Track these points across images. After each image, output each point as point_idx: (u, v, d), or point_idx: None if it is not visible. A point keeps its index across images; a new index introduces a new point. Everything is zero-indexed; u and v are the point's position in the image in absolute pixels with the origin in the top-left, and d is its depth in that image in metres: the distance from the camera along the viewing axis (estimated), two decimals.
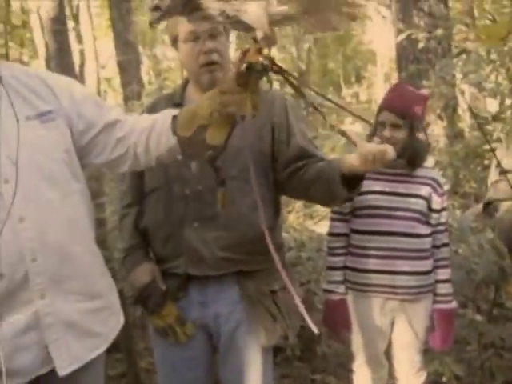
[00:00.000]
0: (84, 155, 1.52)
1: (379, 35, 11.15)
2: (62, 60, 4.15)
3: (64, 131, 1.45)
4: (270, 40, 1.26)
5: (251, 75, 1.28)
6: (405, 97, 2.21)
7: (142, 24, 10.06)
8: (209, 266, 1.75)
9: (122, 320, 1.60)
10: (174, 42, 1.80)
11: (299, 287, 3.37)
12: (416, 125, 2.20)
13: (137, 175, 1.87)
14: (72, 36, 8.28)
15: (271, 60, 1.28)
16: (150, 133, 1.47)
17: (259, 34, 1.25)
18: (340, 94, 10.25)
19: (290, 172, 1.77)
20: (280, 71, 1.30)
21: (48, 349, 1.38)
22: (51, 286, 1.37)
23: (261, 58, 1.27)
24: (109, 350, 1.55)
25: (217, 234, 1.73)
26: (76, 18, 10.65)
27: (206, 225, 1.73)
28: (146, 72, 11.88)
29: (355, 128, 5.91)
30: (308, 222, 5.16)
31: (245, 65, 1.27)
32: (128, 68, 7.09)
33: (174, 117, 1.43)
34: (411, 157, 2.20)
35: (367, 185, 2.22)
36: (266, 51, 1.27)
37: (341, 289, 2.28)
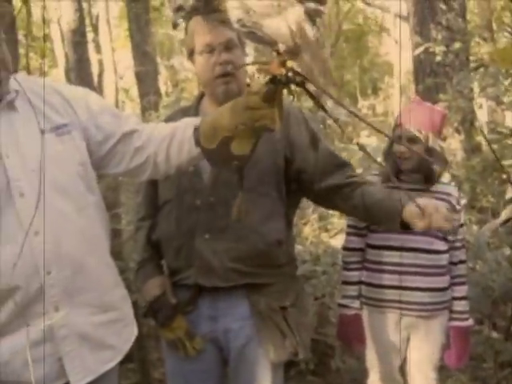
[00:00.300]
0: (103, 166, 1.54)
1: (396, 47, 11.14)
2: (81, 71, 4.20)
3: (79, 144, 1.46)
4: (293, 52, 1.25)
5: (277, 89, 1.28)
6: (422, 112, 2.21)
7: (160, 35, 10.16)
8: (219, 277, 1.75)
9: (135, 332, 1.60)
10: (191, 54, 1.82)
11: (314, 301, 3.37)
12: (433, 140, 2.18)
13: (151, 188, 1.89)
14: (91, 46, 8.39)
15: (295, 72, 1.27)
16: (170, 141, 1.47)
17: (282, 47, 1.25)
18: (356, 106, 10.23)
19: (330, 188, 1.79)
20: (302, 84, 1.29)
21: (62, 361, 1.39)
22: (65, 298, 1.38)
23: (284, 71, 1.26)
24: (122, 360, 1.55)
25: (228, 245, 1.73)
26: (95, 28, 10.79)
27: (217, 236, 1.74)
28: (163, 82, 11.97)
29: (371, 141, 5.91)
30: (323, 234, 5.14)
31: (268, 78, 1.28)
32: (145, 79, 7.16)
33: (196, 128, 1.44)
34: (427, 172, 2.19)
35: None
36: (289, 63, 1.27)
37: (356, 304, 2.27)
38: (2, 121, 1.36)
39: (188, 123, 1.47)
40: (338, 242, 4.32)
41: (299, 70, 1.27)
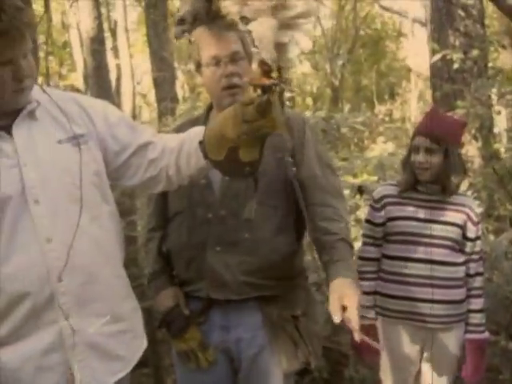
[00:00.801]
0: (118, 177, 1.56)
1: (414, 52, 11.08)
2: (99, 78, 4.24)
3: (95, 154, 1.48)
4: (276, 61, 1.26)
5: (268, 98, 1.26)
6: (440, 122, 2.20)
7: (178, 41, 10.22)
8: (231, 291, 1.75)
9: (144, 344, 1.61)
10: (198, 67, 1.83)
11: (326, 309, 3.35)
12: (451, 151, 2.17)
13: (161, 199, 1.90)
14: (109, 50, 8.46)
15: (281, 80, 1.27)
16: (178, 154, 1.49)
17: (266, 55, 1.25)
18: (373, 111, 10.19)
19: (309, 214, 1.72)
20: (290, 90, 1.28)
21: (72, 370, 1.39)
22: (76, 307, 1.39)
23: (270, 80, 1.26)
24: (136, 365, 1.56)
25: (239, 258, 1.73)
26: (113, 33, 10.89)
27: (228, 249, 1.74)
28: (180, 87, 12.04)
29: (388, 147, 5.87)
30: None
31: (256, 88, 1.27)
32: (163, 84, 7.20)
33: (201, 141, 1.44)
34: (445, 183, 2.18)
35: (400, 210, 2.22)
36: (274, 73, 1.26)
37: (371, 314, 2.26)
38: (22, 129, 1.39)
39: (193, 135, 1.48)
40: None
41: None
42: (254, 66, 1.28)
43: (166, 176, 1.53)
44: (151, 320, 2.46)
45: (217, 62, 1.75)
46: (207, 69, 1.77)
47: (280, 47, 1.27)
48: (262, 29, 1.23)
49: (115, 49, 9.94)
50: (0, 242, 1.32)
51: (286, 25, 1.25)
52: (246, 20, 1.25)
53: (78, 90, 10.31)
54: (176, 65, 9.98)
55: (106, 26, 9.36)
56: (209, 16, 1.29)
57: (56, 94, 1.50)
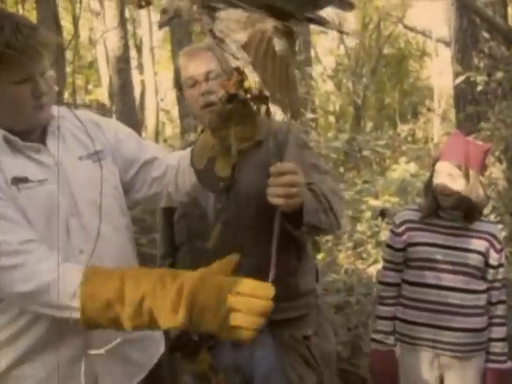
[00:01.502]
0: (126, 191, 1.60)
1: (438, 71, 11.04)
2: (124, 96, 4.31)
3: (113, 168, 1.55)
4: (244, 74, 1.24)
5: (232, 108, 1.25)
6: (463, 148, 2.17)
7: None
8: None
9: (161, 349, 1.65)
10: (180, 90, 1.88)
11: (347, 332, 3.33)
12: (473, 177, 2.15)
13: (168, 228, 1.93)
14: (134, 65, 8.60)
15: (248, 91, 1.24)
16: (177, 171, 1.55)
17: (241, 64, 1.23)
18: (395, 130, 10.14)
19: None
20: (258, 101, 1.25)
21: (97, 379, 1.43)
22: None
23: (237, 90, 1.24)
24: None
25: None
26: (139, 49, 11.08)
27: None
28: None
29: (410, 168, 5.84)
30: (358, 261, 5.10)
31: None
32: None
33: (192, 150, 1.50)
34: (468, 210, 2.15)
35: (421, 236, 2.20)
36: (248, 82, 1.24)
37: (390, 340, 2.24)
38: (50, 146, 1.44)
39: (188, 152, 1.53)
40: (373, 270, 4.28)
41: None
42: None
43: (166, 193, 1.59)
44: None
45: (193, 82, 1.79)
46: (186, 90, 1.83)
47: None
48: (241, 36, 1.22)
49: (140, 66, 10.11)
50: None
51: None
52: (214, 36, 1.25)
53: (103, 105, 10.49)
54: None
55: (131, 42, 9.53)
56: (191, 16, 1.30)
57: (75, 115, 1.56)
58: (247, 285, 1.25)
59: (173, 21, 1.31)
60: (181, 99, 1.94)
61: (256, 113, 1.29)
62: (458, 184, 2.13)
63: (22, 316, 1.36)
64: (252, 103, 1.27)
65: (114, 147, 1.56)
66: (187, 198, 1.59)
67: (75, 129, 1.51)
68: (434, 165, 2.24)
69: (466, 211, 2.16)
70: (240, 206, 1.68)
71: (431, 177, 2.22)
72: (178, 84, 1.86)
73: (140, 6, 1.29)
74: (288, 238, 1.74)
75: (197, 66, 1.78)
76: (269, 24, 1.17)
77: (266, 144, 1.53)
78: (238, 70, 1.24)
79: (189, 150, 1.54)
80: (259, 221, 1.63)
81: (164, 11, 1.30)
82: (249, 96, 1.25)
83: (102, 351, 1.31)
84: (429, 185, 2.23)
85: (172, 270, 1.45)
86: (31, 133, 1.43)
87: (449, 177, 2.14)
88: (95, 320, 1.27)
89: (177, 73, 1.85)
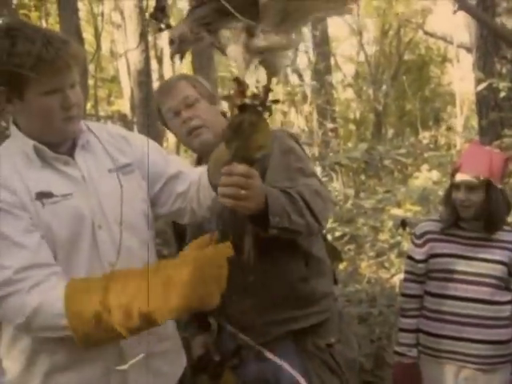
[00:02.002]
0: (151, 205, 1.62)
1: (459, 77, 10.94)
2: (145, 109, 4.36)
3: (141, 182, 1.57)
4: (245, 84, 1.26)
5: (243, 118, 1.26)
6: (481, 159, 2.15)
7: (222, 69, 10.43)
8: (257, 335, 1.76)
9: (184, 362, 1.67)
10: (166, 126, 1.89)
11: (370, 344, 3.30)
12: (493, 187, 2.13)
13: (179, 247, 1.93)
14: (155, 76, 8.69)
15: (255, 97, 1.26)
16: (198, 186, 1.57)
17: (240, 73, 1.25)
18: (417, 137, 10.05)
19: None
20: (264, 107, 1.27)
21: None
22: None
23: (243, 100, 1.25)
24: None
25: (252, 302, 1.72)
26: (160, 60, 11.18)
27: (240, 295, 1.72)
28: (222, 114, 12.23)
29: (432, 176, 5.78)
30: (381, 270, 5.06)
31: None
32: None
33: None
34: (488, 220, 2.13)
35: (443, 247, 2.18)
36: (250, 91, 1.25)
37: (413, 352, 2.22)
38: (79, 160, 1.48)
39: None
40: (396, 280, 4.24)
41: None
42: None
43: (190, 208, 1.60)
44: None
45: (174, 112, 1.80)
46: (170, 122, 1.84)
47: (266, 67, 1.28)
48: (235, 51, 1.26)
49: (161, 77, 10.19)
50: (68, 265, 1.39)
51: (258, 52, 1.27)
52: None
53: (124, 116, 10.60)
54: (220, 90, 10.15)
55: (152, 53, 9.63)
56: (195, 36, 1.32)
57: (105, 129, 1.61)
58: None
59: (183, 46, 1.33)
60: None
61: (266, 120, 1.30)
62: (477, 195, 2.12)
63: None
64: (261, 110, 1.28)
65: (141, 161, 1.58)
66: (209, 214, 1.60)
67: (104, 142, 1.54)
68: (453, 175, 2.22)
69: (486, 221, 2.14)
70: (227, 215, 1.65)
71: (451, 188, 2.21)
72: (162, 120, 1.87)
73: (160, 29, 1.32)
74: (290, 245, 1.73)
75: (173, 97, 1.79)
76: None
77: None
78: (237, 80, 1.26)
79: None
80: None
81: (171, 42, 1.33)
82: (257, 102, 1.26)
83: (125, 367, 1.33)
84: (448, 196, 2.21)
85: (155, 264, 1.45)
86: (60, 145, 1.46)
87: (468, 188, 2.13)
88: (90, 334, 1.30)
89: (158, 110, 1.87)
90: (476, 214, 2.13)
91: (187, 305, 1.30)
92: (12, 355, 1.43)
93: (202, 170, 1.58)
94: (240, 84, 1.26)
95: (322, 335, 1.78)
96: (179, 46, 1.33)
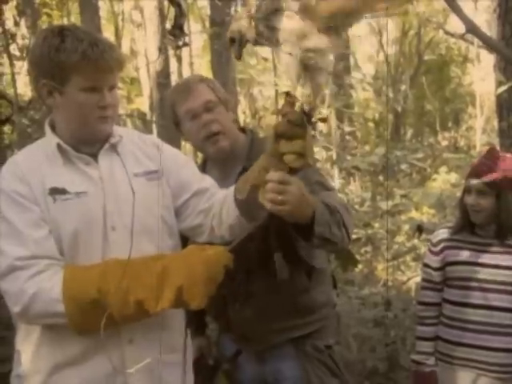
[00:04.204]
0: (176, 216, 1.62)
1: (480, 77, 10.81)
2: (164, 109, 4.38)
3: (166, 190, 1.58)
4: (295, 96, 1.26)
5: (292, 130, 1.27)
6: (494, 164, 2.13)
7: (240, 65, 10.44)
8: (258, 342, 1.77)
9: (192, 377, 1.66)
10: (177, 127, 1.85)
11: (384, 347, 3.30)
12: (504, 193, 2.10)
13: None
14: (174, 77, 8.73)
15: (304, 111, 1.27)
16: (223, 204, 1.56)
17: (291, 85, 1.26)
18: (436, 138, 9.98)
19: None
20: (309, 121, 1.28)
21: None
22: (140, 333, 1.45)
23: (294, 112, 1.26)
24: None
25: (255, 310, 1.73)
26: (179, 58, 11.23)
27: (244, 304, 1.73)
28: (241, 111, 12.24)
29: (451, 177, 5.73)
30: (397, 273, 5.04)
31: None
32: None
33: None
34: (499, 226, 2.11)
35: (459, 254, 2.17)
36: (300, 104, 1.26)
37: (431, 361, 2.21)
38: (106, 160, 1.51)
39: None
40: (412, 283, 4.23)
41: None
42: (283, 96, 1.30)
43: (210, 226, 1.59)
44: None
45: (192, 115, 1.77)
46: (185, 124, 1.80)
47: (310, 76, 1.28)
48: (286, 57, 1.26)
49: (180, 73, 10.24)
50: (75, 263, 1.41)
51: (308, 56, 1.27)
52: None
53: (144, 115, 10.67)
54: (238, 89, 10.18)
55: (171, 52, 9.68)
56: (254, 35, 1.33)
57: (136, 135, 1.65)
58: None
59: (242, 43, 1.33)
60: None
61: (310, 133, 1.31)
62: (487, 200, 2.10)
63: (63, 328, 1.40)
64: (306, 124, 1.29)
65: (170, 171, 1.59)
66: (228, 234, 1.56)
67: (135, 147, 1.58)
68: (466, 178, 2.21)
69: (497, 228, 2.12)
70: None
71: (463, 192, 2.20)
72: (175, 120, 1.84)
73: (177, 47, 1.33)
74: (294, 258, 1.72)
75: (194, 99, 1.76)
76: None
77: None
78: (288, 94, 1.27)
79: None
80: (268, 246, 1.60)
81: (232, 40, 1.33)
82: (308, 116, 1.27)
83: (132, 370, 1.36)
84: (461, 200, 2.20)
85: (156, 254, 1.46)
86: (90, 144, 1.50)
87: (478, 193, 2.11)
88: (85, 320, 1.33)
89: (171, 109, 1.83)
90: (487, 220, 2.12)
91: (176, 299, 1.33)
92: (24, 348, 1.47)
93: (230, 189, 1.57)
94: (291, 97, 1.27)
95: (321, 337, 1.80)
96: (240, 45, 1.32)
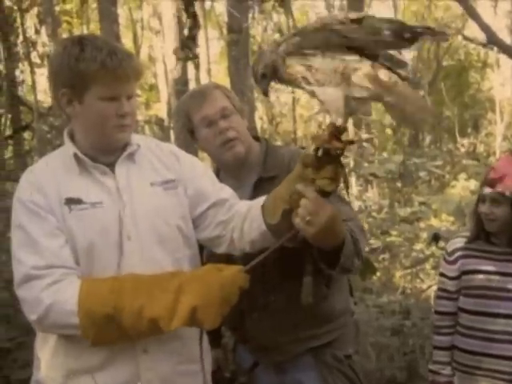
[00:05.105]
0: (193, 227, 1.61)
1: (500, 82, 10.72)
2: (178, 117, 4.40)
3: (183, 199, 1.56)
4: (343, 127, 1.26)
5: (328, 160, 1.27)
6: (508, 174, 2.11)
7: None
8: (277, 353, 1.75)
9: None
10: (192, 134, 1.82)
11: (403, 356, 3.27)
12: None
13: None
14: (192, 83, 8.79)
15: (347, 143, 1.26)
16: (245, 217, 1.53)
17: (334, 117, 1.25)
18: (455, 144, 9.89)
19: None
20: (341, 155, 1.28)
21: None
22: (155, 343, 1.44)
23: (337, 144, 1.25)
24: None
25: (273, 321, 1.72)
26: (196, 65, 11.31)
27: (262, 314, 1.73)
28: (259, 117, 12.26)
29: (470, 184, 5.67)
30: (416, 280, 5.00)
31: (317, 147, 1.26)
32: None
33: (263, 204, 1.47)
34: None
35: (476, 263, 2.14)
36: (342, 137, 1.26)
37: (447, 370, 2.18)
38: (122, 169, 1.51)
39: (260, 201, 1.51)
40: (431, 291, 4.18)
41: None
42: (324, 126, 1.30)
43: (230, 238, 1.57)
44: None
45: (208, 122, 1.74)
46: (201, 131, 1.77)
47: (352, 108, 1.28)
48: (331, 92, 1.25)
49: (197, 79, 10.31)
50: (90, 272, 1.42)
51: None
52: (307, 83, 1.27)
53: (161, 120, 10.75)
54: (255, 94, 10.20)
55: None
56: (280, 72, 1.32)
57: (154, 143, 1.64)
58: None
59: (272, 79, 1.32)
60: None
61: (342, 162, 1.32)
62: (501, 210, 2.07)
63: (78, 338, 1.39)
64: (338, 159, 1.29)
65: (188, 180, 1.58)
66: (249, 247, 1.55)
67: (153, 156, 1.57)
68: (481, 186, 2.19)
69: (510, 237, 2.09)
70: None
71: (477, 200, 2.17)
72: (189, 127, 1.81)
73: (189, 58, 1.33)
74: (313, 267, 1.67)
75: (210, 105, 1.74)
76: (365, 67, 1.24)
77: (282, 177, 1.53)
78: (333, 125, 1.26)
79: (261, 198, 1.52)
80: (286, 257, 1.57)
81: (264, 76, 1.32)
82: (341, 147, 1.27)
83: (155, 380, 1.36)
84: (476, 209, 2.18)
85: (172, 271, 1.45)
86: (108, 153, 1.50)
87: (493, 202, 2.09)
88: (99, 334, 1.34)
89: (186, 116, 1.80)
90: (501, 228, 2.09)
91: (190, 319, 1.33)
92: (42, 354, 1.47)
93: (252, 202, 1.56)
94: (336, 129, 1.26)
95: (341, 347, 1.77)
96: (271, 79, 1.32)
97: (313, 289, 1.51)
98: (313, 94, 1.30)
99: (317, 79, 1.26)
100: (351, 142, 1.29)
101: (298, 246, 1.41)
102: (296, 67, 1.27)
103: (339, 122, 1.26)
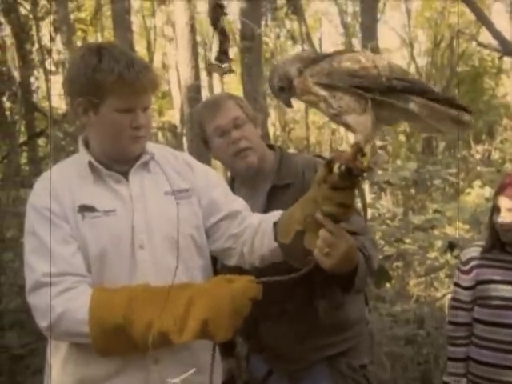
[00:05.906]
0: (206, 237, 1.60)
1: None
2: (192, 126, 4.42)
3: (196, 209, 1.56)
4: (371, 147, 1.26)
5: (351, 181, 1.26)
6: None
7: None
8: (291, 362, 1.74)
9: None
10: (206, 144, 1.84)
11: (417, 366, 3.23)
12: None
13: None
14: (205, 91, 8.83)
15: (363, 168, 1.25)
16: (256, 232, 1.53)
17: (359, 138, 1.25)
18: (469, 151, 9.80)
19: None
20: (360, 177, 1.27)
21: None
22: (165, 353, 1.43)
23: (361, 165, 1.24)
24: None
25: (289, 328, 1.71)
26: (210, 72, 11.35)
27: (277, 321, 1.72)
28: (271, 124, 12.27)
29: (485, 192, 5.61)
30: (430, 288, 4.95)
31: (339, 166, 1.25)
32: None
33: (275, 222, 1.47)
34: None
35: (491, 273, 2.12)
36: (364, 159, 1.25)
37: (462, 382, 2.15)
38: (136, 178, 1.51)
39: (272, 216, 1.52)
40: (446, 300, 4.14)
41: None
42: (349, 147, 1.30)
43: (240, 251, 1.56)
44: None
45: (221, 132, 1.75)
46: (214, 141, 1.78)
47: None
48: (363, 118, 1.26)
49: (210, 86, 10.36)
50: (102, 280, 1.42)
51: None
52: (330, 106, 1.27)
53: (174, 127, 10.80)
54: (269, 101, 10.20)
55: (202, 65, 9.78)
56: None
57: (169, 152, 1.64)
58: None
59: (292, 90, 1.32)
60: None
61: (361, 187, 1.33)
62: None
63: (89, 347, 1.39)
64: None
65: (202, 190, 1.58)
66: (258, 262, 1.54)
67: (167, 165, 1.57)
68: (494, 198, 2.16)
69: None
70: None
71: (492, 211, 2.15)
72: (203, 137, 1.82)
73: (224, 73, 1.33)
74: (327, 275, 1.71)
75: (223, 115, 1.76)
76: None
77: (295, 185, 1.54)
78: (357, 145, 1.26)
79: (273, 213, 1.53)
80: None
81: (281, 89, 1.32)
82: (364, 168, 1.26)
83: (177, 380, 1.35)
84: (491, 219, 2.15)
85: (183, 283, 1.44)
86: (122, 162, 1.50)
87: (508, 212, 2.06)
88: (109, 344, 1.33)
89: (200, 126, 1.82)
90: None
91: (201, 332, 1.32)
92: (53, 361, 1.47)
93: (264, 216, 1.56)
94: (359, 151, 1.26)
95: (356, 356, 1.77)
96: (289, 93, 1.32)
97: (327, 310, 1.53)
98: (335, 117, 1.30)
99: (340, 106, 1.26)
100: (370, 169, 1.27)
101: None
102: (320, 92, 1.28)
103: (363, 143, 1.25)
